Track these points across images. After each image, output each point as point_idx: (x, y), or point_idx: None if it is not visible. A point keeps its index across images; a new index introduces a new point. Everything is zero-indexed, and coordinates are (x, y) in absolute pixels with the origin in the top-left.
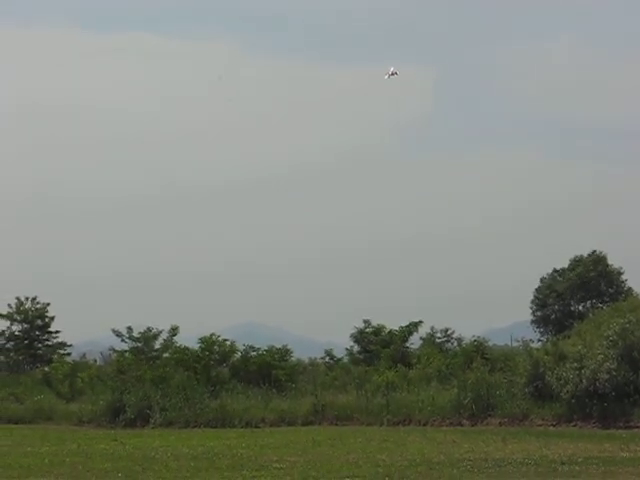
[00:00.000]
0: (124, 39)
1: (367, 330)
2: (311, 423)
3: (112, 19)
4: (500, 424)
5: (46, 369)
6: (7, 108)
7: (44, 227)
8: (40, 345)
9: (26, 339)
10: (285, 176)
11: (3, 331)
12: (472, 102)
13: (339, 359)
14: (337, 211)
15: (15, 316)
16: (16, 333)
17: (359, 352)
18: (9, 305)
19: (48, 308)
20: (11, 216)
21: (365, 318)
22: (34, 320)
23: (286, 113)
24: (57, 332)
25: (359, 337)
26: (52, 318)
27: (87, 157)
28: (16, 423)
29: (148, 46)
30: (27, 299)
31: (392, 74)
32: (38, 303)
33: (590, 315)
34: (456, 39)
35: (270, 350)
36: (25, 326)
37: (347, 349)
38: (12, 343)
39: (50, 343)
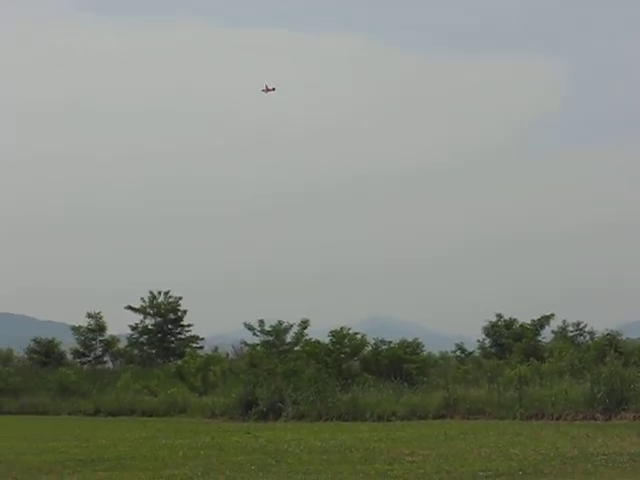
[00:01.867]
0: (260, 35)
1: (499, 323)
2: (443, 417)
3: (249, 15)
4: (635, 418)
5: (179, 362)
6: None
7: (181, 228)
8: (173, 339)
9: (159, 333)
10: (412, 173)
11: (136, 325)
12: (605, 94)
13: (470, 353)
14: (468, 206)
15: (148, 310)
16: (149, 327)
17: (491, 345)
18: (142, 299)
19: (180, 302)
20: (153, 216)
21: (497, 312)
22: (167, 314)
23: (414, 108)
24: (189, 326)
25: (491, 330)
26: (184, 312)
27: (224, 158)
28: (150, 416)
29: (283, 41)
30: (160, 293)
31: (269, 90)
32: (171, 297)
33: None
34: (589, 30)
35: (401, 344)
36: (158, 320)
37: (479, 341)
38: (145, 337)
39: (182, 337)
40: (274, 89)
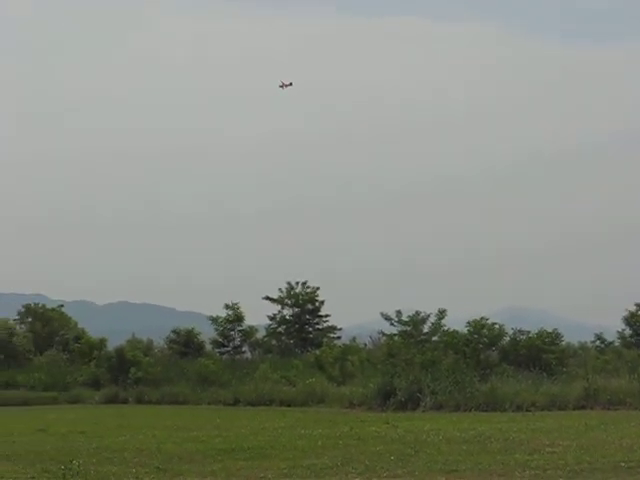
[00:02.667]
0: (393, 23)
1: (639, 313)
2: (582, 407)
3: (381, 3)
4: None
5: (317, 352)
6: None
7: (320, 221)
8: (310, 329)
9: (297, 323)
10: (543, 160)
11: (275, 315)
12: None
13: (610, 343)
14: (608, 191)
15: (286, 300)
16: (287, 317)
17: (631, 336)
18: (280, 290)
19: (318, 292)
20: (276, 218)
21: (637, 302)
22: (305, 304)
23: (543, 95)
24: (327, 316)
25: (631, 320)
26: (322, 302)
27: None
28: (288, 405)
29: (411, 29)
30: (297, 283)
31: (286, 85)
32: (308, 287)
33: None
34: None
35: (540, 334)
36: (296, 310)
37: (618, 332)
38: (283, 327)
39: (320, 327)
40: (291, 84)
